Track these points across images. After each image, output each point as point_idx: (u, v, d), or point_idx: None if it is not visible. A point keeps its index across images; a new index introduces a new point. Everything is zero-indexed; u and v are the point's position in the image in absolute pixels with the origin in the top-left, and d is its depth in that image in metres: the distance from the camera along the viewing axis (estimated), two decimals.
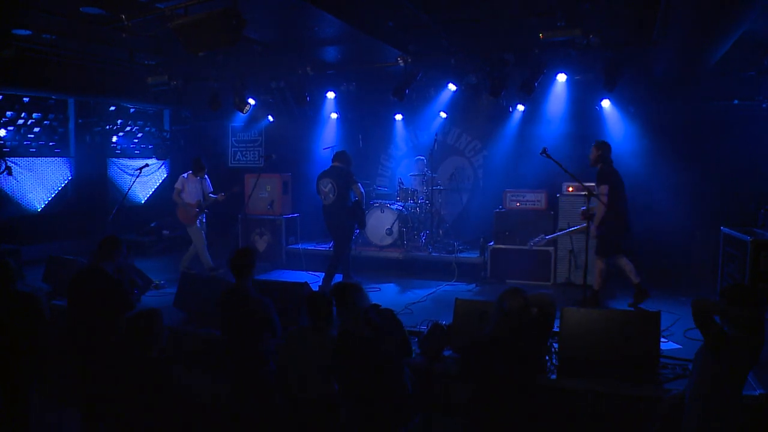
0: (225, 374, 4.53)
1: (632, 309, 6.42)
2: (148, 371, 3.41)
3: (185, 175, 8.87)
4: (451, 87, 9.09)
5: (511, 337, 3.50)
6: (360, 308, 3.75)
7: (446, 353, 5.03)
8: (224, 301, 4.46)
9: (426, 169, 9.72)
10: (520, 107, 9.67)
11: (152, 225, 11.24)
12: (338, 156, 8.02)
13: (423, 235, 9.46)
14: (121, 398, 3.39)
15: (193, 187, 8.80)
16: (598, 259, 6.87)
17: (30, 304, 4.25)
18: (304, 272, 8.84)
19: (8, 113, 9.62)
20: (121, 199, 8.60)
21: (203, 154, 12.16)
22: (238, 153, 12.38)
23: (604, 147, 6.92)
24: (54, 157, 10.49)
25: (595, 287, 6.87)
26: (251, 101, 9.97)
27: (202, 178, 8.93)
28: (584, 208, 6.56)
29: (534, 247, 7.97)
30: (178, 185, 8.83)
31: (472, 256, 8.85)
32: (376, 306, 3.87)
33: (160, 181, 12.59)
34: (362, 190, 7.99)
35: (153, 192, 12.45)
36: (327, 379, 3.97)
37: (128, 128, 11.86)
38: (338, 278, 8.13)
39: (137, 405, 3.35)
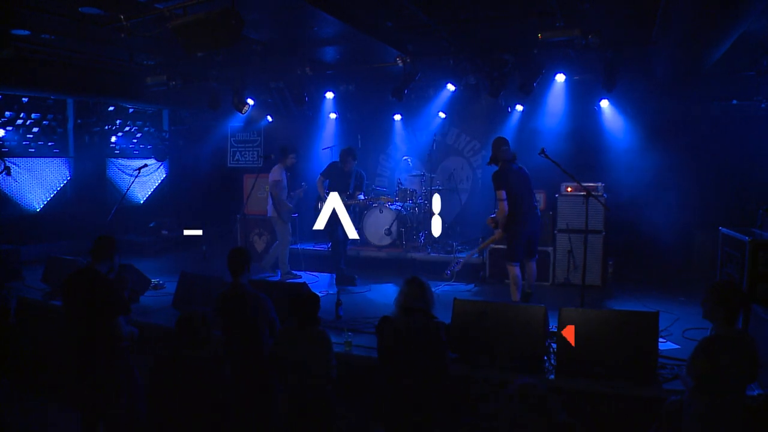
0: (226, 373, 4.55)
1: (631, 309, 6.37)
2: (198, 370, 3.44)
3: (277, 165, 8.32)
4: (450, 87, 9.09)
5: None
6: (418, 308, 3.95)
7: None
8: (221, 302, 4.49)
9: (411, 167, 9.99)
10: (519, 107, 9.68)
11: (151, 225, 11.22)
12: (340, 154, 8.22)
13: (422, 235, 9.45)
14: (176, 396, 3.41)
15: (286, 179, 8.34)
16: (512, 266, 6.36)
17: None
18: (302, 272, 8.83)
19: (7, 113, 9.61)
20: (120, 199, 8.58)
21: (202, 154, 12.24)
22: (237, 153, 12.36)
23: (496, 144, 6.39)
24: (53, 157, 10.47)
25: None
26: (250, 101, 9.96)
27: (287, 167, 8.36)
28: (493, 215, 6.41)
29: (453, 271, 7.35)
30: (277, 177, 8.26)
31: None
32: (429, 314, 3.99)
33: (159, 182, 12.58)
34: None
35: (152, 192, 12.44)
36: (319, 376, 4.01)
37: (127, 128, 11.85)
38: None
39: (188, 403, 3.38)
